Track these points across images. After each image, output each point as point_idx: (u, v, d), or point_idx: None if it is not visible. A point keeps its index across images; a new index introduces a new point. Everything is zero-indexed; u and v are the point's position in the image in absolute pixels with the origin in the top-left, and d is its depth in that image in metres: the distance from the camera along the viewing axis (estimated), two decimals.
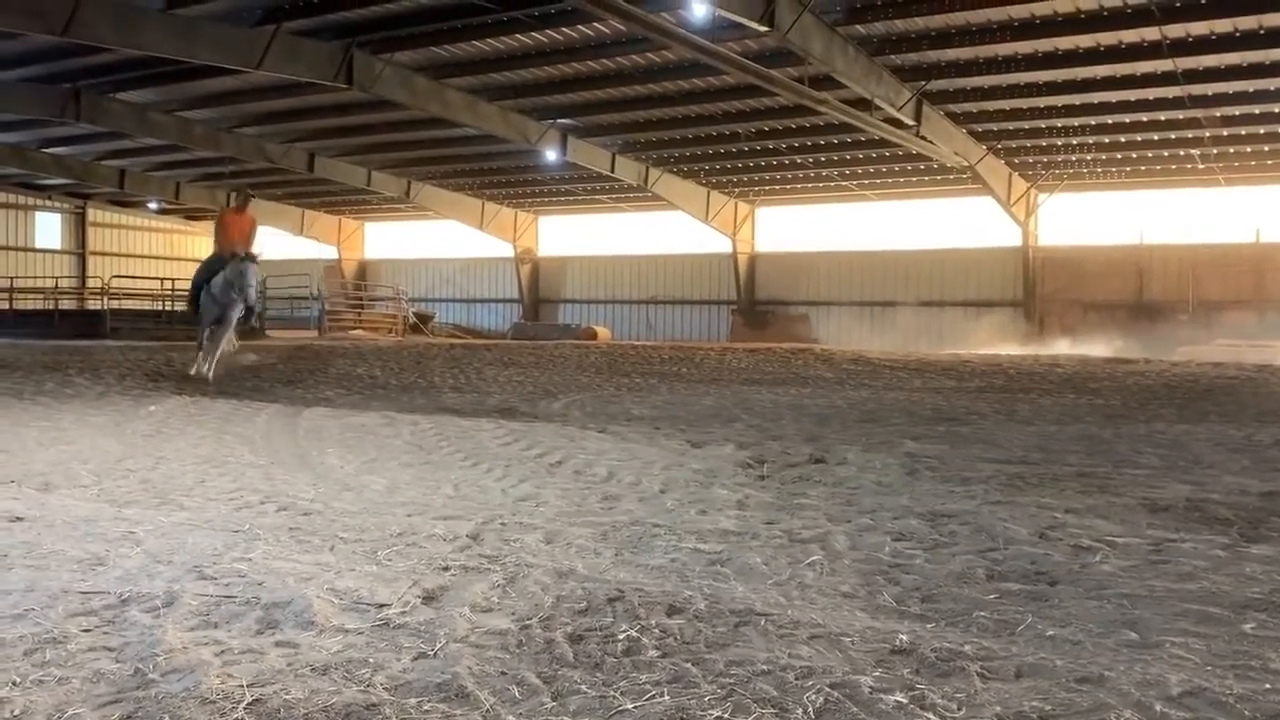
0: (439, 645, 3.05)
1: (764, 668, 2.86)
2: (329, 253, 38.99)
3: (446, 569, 3.94)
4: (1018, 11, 16.70)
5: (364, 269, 39.45)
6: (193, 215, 40.45)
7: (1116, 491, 5.63)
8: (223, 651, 2.97)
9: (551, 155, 25.16)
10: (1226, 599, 3.56)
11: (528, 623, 3.26)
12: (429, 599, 3.54)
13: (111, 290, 28.75)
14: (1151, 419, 9.58)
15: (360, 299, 34.31)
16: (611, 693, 2.69)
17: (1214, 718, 2.55)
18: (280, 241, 39.41)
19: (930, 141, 22.01)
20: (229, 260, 12.50)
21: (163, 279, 30.61)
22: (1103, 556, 4.18)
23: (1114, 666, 2.87)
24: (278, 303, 31.86)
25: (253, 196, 15.75)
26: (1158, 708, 2.59)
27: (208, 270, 13.07)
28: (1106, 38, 17.44)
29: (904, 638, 3.12)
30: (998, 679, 2.80)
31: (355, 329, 28.84)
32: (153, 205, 38.04)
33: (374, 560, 4.09)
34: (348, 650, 3.00)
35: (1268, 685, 2.74)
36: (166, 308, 29.13)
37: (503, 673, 2.82)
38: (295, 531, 4.60)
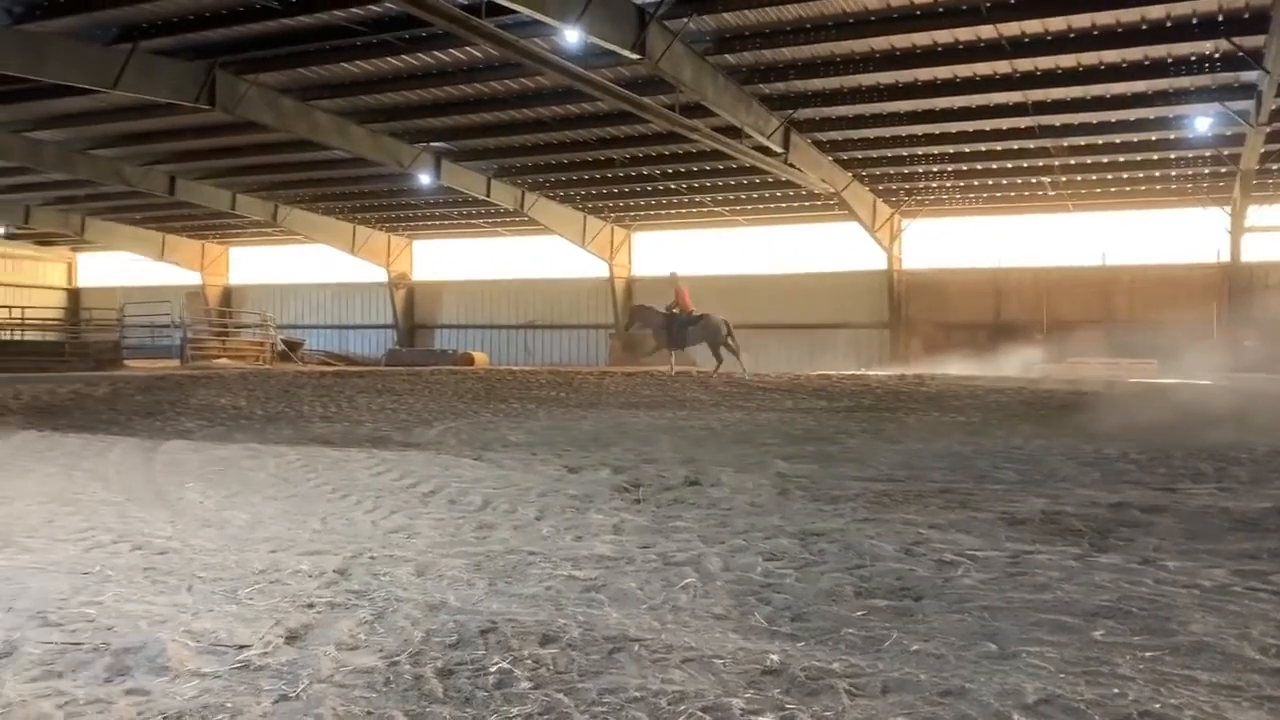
0: (302, 686, 2.94)
1: (637, 694, 2.85)
2: (192, 278, 37.60)
3: (311, 606, 3.81)
4: (879, 43, 17.35)
5: (229, 295, 38.16)
6: (44, 240, 38.53)
7: (977, 506, 5.83)
8: (67, 703, 2.80)
9: (425, 179, 24.88)
10: (1078, 607, 3.72)
11: (396, 659, 3.17)
12: (292, 638, 3.41)
13: None
14: (1010, 435, 9.98)
15: (225, 326, 33.17)
16: None
17: None
18: (139, 267, 37.93)
19: (798, 169, 22.61)
20: None
21: (10, 307, 28.99)
22: (964, 570, 4.32)
23: (975, 678, 2.96)
24: (137, 331, 30.57)
25: None
26: (1015, 716, 2.68)
27: None
28: (962, 70, 18.26)
29: (775, 658, 3.15)
30: (865, 696, 2.85)
31: (219, 358, 27.84)
32: None
33: (234, 599, 3.92)
34: (204, 695, 2.86)
35: (1116, 690, 2.86)
36: (15, 337, 27.66)
37: (369, 712, 2.73)
38: (150, 572, 4.38)
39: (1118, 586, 4.01)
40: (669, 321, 21.96)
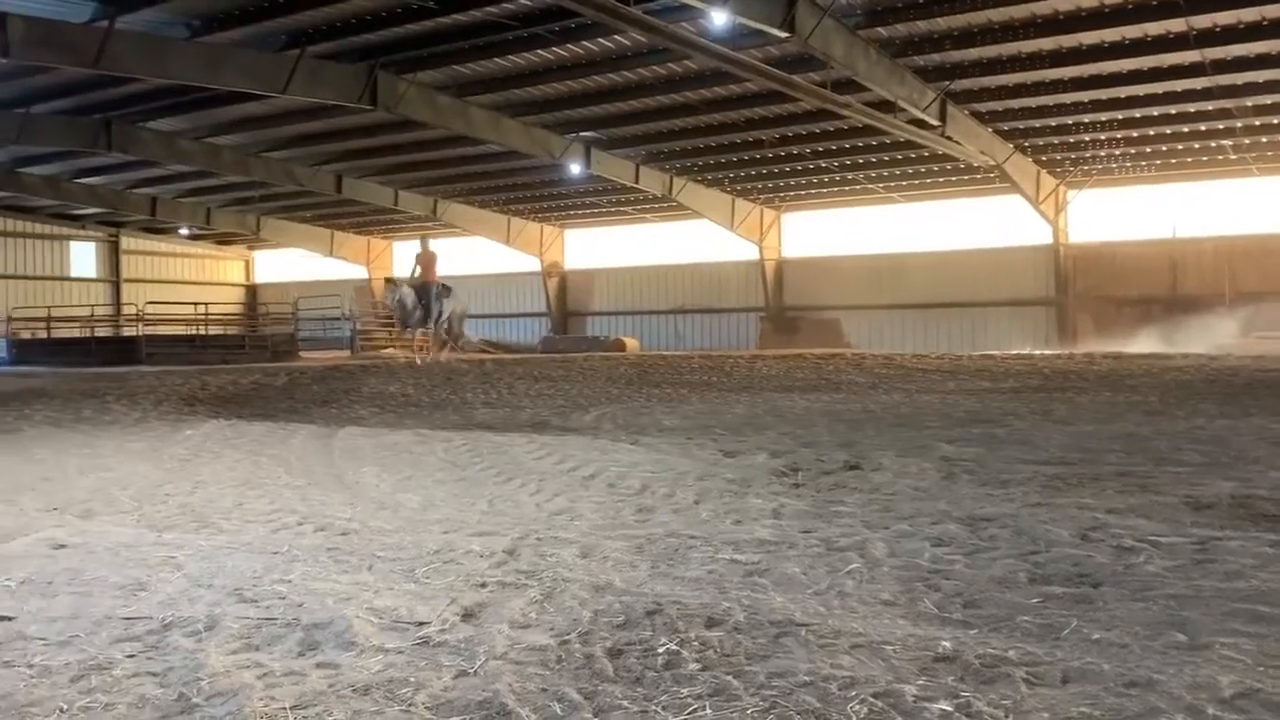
0: (479, 663, 3.04)
1: (806, 679, 2.83)
2: (358, 273, 39.28)
3: (484, 585, 3.94)
4: (1040, 8, 16.60)
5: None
6: (224, 240, 40.95)
7: (1158, 490, 5.55)
8: (265, 674, 2.98)
9: (575, 169, 25.24)
10: (1276, 597, 3.49)
11: (567, 638, 3.25)
12: (468, 616, 3.54)
13: (146, 317, 29.13)
14: (1191, 415, 9.44)
15: (391, 317, 34.42)
16: (653, 707, 2.68)
17: None
18: (310, 263, 39.90)
19: (956, 141, 21.87)
20: None
21: (196, 304, 31.00)
22: (1147, 557, 4.11)
23: (1163, 669, 2.82)
24: (310, 324, 32.18)
25: None
26: (1210, 711, 2.54)
27: None
28: (1131, 31, 17.27)
29: (947, 645, 3.08)
30: (1044, 685, 2.76)
31: (387, 348, 28.99)
32: (184, 231, 38.62)
33: (412, 578, 4.10)
34: (389, 670, 3.00)
35: None
36: (200, 332, 29.53)
37: (543, 689, 2.81)
38: (333, 551, 4.62)
39: None
40: (423, 292, 20.92)
